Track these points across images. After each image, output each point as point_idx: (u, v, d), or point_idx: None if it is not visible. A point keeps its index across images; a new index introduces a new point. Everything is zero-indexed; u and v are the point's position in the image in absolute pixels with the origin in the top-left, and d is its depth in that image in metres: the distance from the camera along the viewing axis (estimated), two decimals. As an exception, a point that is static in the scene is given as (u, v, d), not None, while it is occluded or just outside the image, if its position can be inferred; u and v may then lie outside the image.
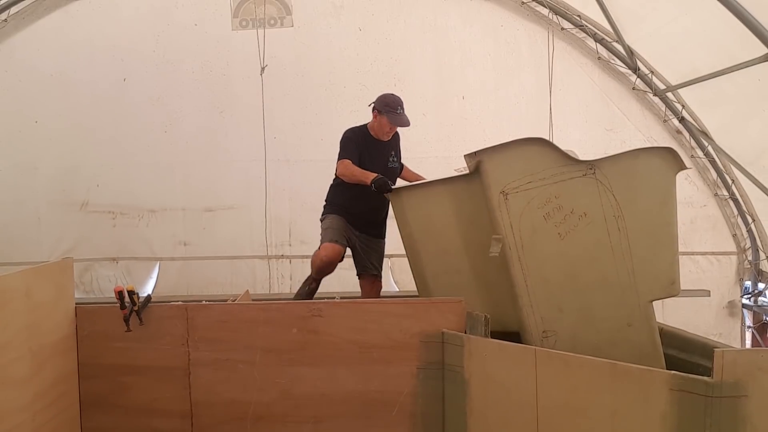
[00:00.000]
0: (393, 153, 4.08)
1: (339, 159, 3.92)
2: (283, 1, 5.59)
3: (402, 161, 4.25)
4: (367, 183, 3.67)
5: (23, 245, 5.61)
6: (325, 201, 4.17)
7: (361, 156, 3.90)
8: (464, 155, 3.15)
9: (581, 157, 3.10)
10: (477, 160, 3.05)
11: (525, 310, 3.04)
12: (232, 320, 3.26)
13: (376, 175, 3.67)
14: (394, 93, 4.00)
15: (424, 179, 3.98)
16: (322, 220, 4.11)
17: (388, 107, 3.91)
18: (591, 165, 3.02)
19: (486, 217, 3.10)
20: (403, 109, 3.93)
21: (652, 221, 3.05)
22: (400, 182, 4.04)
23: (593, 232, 3.02)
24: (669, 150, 3.09)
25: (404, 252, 3.53)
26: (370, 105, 4.02)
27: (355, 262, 4.14)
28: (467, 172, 3.19)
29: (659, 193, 3.05)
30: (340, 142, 3.98)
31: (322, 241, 3.99)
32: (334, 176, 4.08)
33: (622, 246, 3.01)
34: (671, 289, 3.08)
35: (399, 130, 4.08)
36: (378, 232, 4.11)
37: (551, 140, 5.33)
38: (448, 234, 3.32)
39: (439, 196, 3.33)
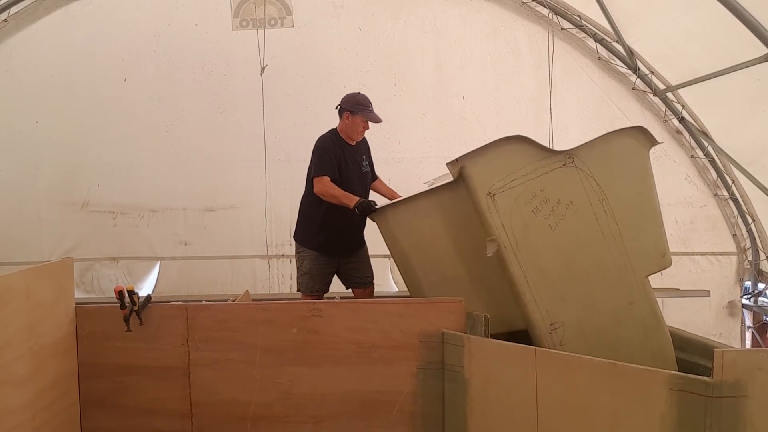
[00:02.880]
0: (364, 157, 4.02)
1: (316, 174, 3.77)
2: (283, 1, 5.59)
3: (376, 169, 4.20)
4: (350, 206, 3.62)
5: (24, 245, 5.61)
6: (298, 225, 4.07)
7: (339, 166, 3.80)
8: (446, 164, 3.14)
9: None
10: (459, 166, 3.07)
11: (529, 306, 3.06)
12: (232, 320, 3.26)
13: (359, 198, 3.62)
14: (359, 92, 3.95)
15: (398, 195, 3.95)
16: (298, 252, 4.05)
17: (361, 105, 3.83)
18: (569, 154, 3.08)
19: (476, 221, 3.11)
20: (372, 106, 3.88)
21: (635, 199, 3.11)
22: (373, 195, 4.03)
23: (582, 219, 3.07)
24: (639, 128, 3.15)
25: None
26: (336, 107, 3.94)
27: (344, 280, 4.11)
28: (437, 184, 3.19)
29: (636, 170, 3.12)
30: (315, 153, 3.85)
31: (302, 288, 4.02)
32: (306, 190, 4.00)
33: (611, 227, 3.07)
34: (663, 261, 3.15)
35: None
36: (358, 244, 4.06)
37: (551, 140, 5.39)
38: (440, 244, 3.32)
39: (425, 209, 3.33)
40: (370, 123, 3.91)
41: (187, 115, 5.66)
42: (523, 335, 3.14)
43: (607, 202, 3.06)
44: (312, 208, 3.95)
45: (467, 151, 3.06)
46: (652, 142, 3.14)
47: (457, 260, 3.31)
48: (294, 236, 4.13)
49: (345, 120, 3.88)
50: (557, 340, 3.03)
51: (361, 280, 4.07)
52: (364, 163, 4.00)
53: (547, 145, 3.57)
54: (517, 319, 3.15)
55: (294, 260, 4.22)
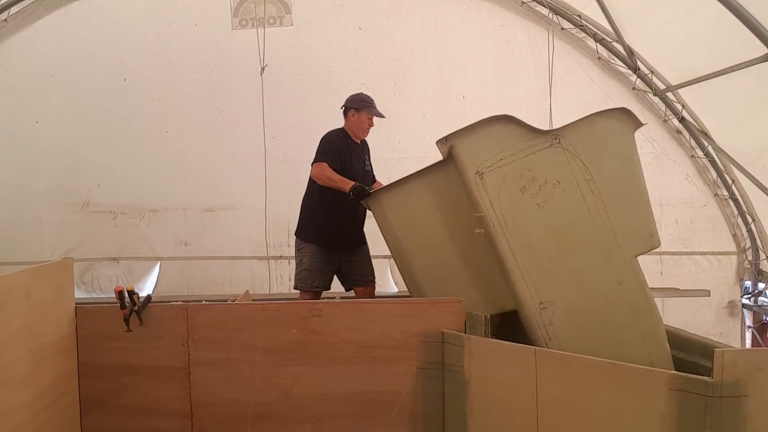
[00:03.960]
0: (367, 156, 4.10)
1: (316, 160, 3.86)
2: (282, 0, 5.59)
3: (375, 174, 4.25)
4: (345, 190, 3.67)
5: (25, 245, 5.62)
6: (300, 221, 4.10)
7: (343, 160, 3.88)
8: (436, 142, 3.22)
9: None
10: (449, 145, 3.11)
11: (518, 284, 3.06)
12: (232, 320, 3.26)
13: (354, 182, 3.68)
14: (362, 91, 4.08)
15: None
16: (298, 249, 4.07)
17: (365, 102, 3.98)
18: (555, 135, 3.11)
19: (466, 201, 3.14)
20: (375, 103, 4.02)
21: (621, 179, 3.13)
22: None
23: (569, 198, 3.09)
24: (623, 110, 3.17)
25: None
26: (341, 108, 4.04)
27: (343, 281, 4.13)
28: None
29: (622, 151, 3.14)
30: (320, 143, 3.94)
31: (299, 284, 4.02)
32: (308, 185, 4.03)
33: (598, 207, 3.09)
34: (652, 241, 3.15)
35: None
36: (358, 241, 4.09)
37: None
38: (431, 226, 3.34)
39: (417, 190, 3.35)
40: (374, 120, 4.03)
41: (186, 115, 5.67)
42: (524, 336, 3.14)
43: (594, 182, 3.09)
44: (315, 203, 3.99)
45: (455, 130, 3.10)
46: (637, 123, 3.16)
47: (448, 241, 3.32)
48: (295, 233, 4.14)
49: (351, 118, 3.99)
50: (546, 320, 3.03)
51: (362, 278, 4.08)
52: (366, 163, 4.08)
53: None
54: (508, 300, 3.15)
55: (292, 261, 4.22)
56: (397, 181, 3.47)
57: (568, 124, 3.15)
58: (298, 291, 4.08)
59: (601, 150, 3.12)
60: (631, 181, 3.14)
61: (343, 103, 4.06)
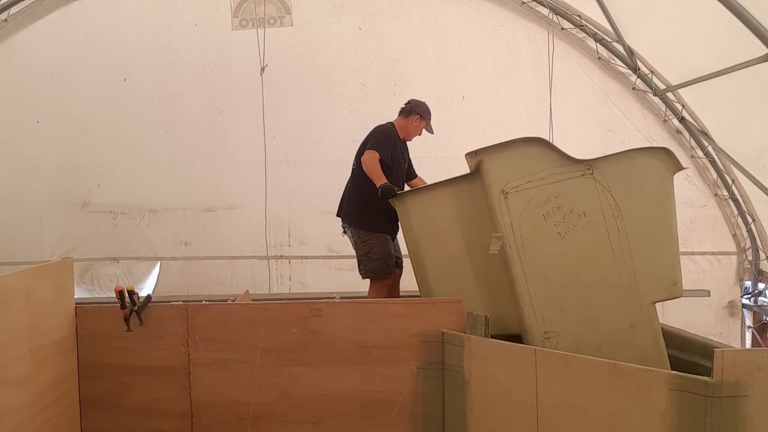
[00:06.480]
0: (407, 154, 4.23)
1: (371, 147, 3.93)
2: (282, 0, 5.59)
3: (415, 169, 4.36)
4: (376, 185, 3.72)
5: (25, 245, 5.62)
6: (356, 211, 4.08)
7: (394, 155, 3.99)
8: (465, 154, 3.17)
9: (580, 157, 3.10)
10: (478, 159, 3.08)
11: (526, 310, 3.04)
12: (232, 320, 3.26)
13: (386, 181, 3.73)
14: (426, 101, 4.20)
15: None
16: (363, 240, 4.04)
17: (429, 116, 4.15)
18: (589, 165, 3.05)
19: (487, 217, 3.11)
20: None
21: (651, 221, 3.05)
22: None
23: (593, 232, 3.04)
24: (665, 150, 3.09)
25: (405, 253, 3.55)
26: (404, 106, 4.14)
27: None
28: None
29: (657, 193, 3.07)
30: (377, 134, 4.02)
31: (374, 274, 4.00)
32: (356, 175, 4.05)
33: (621, 246, 3.02)
34: (673, 290, 3.07)
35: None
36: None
37: (551, 140, 5.38)
38: (450, 237, 3.33)
39: (441, 199, 3.35)
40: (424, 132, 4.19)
41: (186, 115, 5.67)
42: (519, 340, 3.13)
43: (622, 220, 3.02)
44: (370, 193, 3.93)
45: (488, 145, 3.08)
46: (678, 166, 3.07)
47: (465, 254, 3.32)
48: (352, 223, 4.10)
49: (413, 122, 4.12)
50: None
51: (399, 260, 4.15)
52: (406, 160, 4.21)
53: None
54: (513, 323, 3.14)
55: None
56: (424, 186, 3.54)
57: (605, 156, 3.09)
58: (369, 281, 4.07)
59: (635, 188, 3.05)
60: (661, 225, 3.05)
61: (407, 102, 4.16)
